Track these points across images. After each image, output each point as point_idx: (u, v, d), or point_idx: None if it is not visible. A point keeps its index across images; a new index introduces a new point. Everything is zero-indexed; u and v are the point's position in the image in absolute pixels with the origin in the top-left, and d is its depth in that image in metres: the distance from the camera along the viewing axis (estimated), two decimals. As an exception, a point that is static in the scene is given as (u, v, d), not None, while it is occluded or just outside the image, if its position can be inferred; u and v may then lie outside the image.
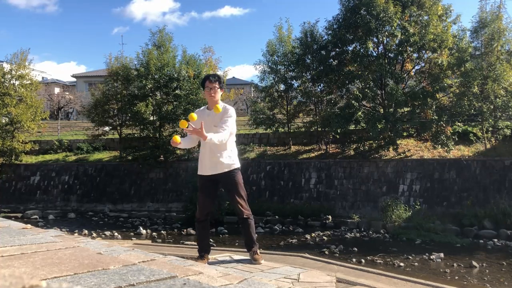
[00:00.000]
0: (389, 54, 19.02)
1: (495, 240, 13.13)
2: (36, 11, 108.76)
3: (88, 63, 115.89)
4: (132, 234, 15.27)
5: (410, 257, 11.33)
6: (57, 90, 41.25)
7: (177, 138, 4.20)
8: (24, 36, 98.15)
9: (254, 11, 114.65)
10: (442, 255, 11.32)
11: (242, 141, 22.66)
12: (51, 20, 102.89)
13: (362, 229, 15.23)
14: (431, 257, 11.26)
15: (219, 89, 4.51)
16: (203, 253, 4.59)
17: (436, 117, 17.53)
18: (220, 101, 4.58)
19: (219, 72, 23.29)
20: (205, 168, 4.50)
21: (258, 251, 4.65)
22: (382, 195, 16.99)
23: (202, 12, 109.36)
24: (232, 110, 4.46)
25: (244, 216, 4.48)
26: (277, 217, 17.13)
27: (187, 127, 4.03)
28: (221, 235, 14.86)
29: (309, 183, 18.77)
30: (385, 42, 18.86)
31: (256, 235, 5.06)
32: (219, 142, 4.20)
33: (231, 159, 4.46)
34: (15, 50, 47.83)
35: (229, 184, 4.48)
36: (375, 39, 18.70)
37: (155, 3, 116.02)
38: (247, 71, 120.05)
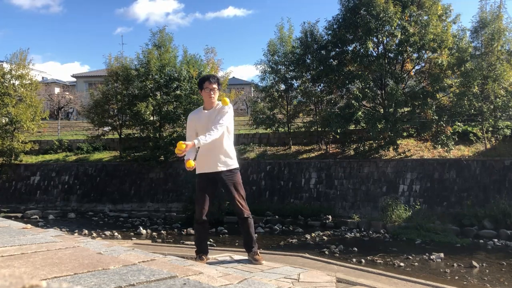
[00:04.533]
0: (389, 54, 19.02)
1: (495, 240, 13.12)
2: (40, 12, 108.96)
3: (92, 63, 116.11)
4: (132, 234, 15.26)
5: (410, 257, 11.32)
6: (57, 90, 41.24)
7: (190, 162, 4.41)
8: (27, 36, 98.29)
9: (258, 12, 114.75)
10: (442, 255, 11.31)
11: (242, 141, 22.65)
12: (54, 20, 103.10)
13: (362, 229, 15.21)
14: (431, 257, 11.25)
15: (217, 90, 4.56)
16: (201, 254, 4.58)
17: (436, 117, 17.52)
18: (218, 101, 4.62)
19: (221, 73, 23.22)
20: (204, 166, 4.52)
21: (258, 251, 4.65)
22: (382, 195, 16.99)
23: (205, 13, 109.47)
24: (229, 107, 4.48)
25: (245, 216, 4.48)
26: (277, 217, 17.12)
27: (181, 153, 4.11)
28: (221, 235, 14.85)
29: (309, 183, 18.77)
30: (385, 42, 18.85)
31: (256, 235, 5.05)
32: (211, 140, 4.19)
33: (230, 159, 4.49)
34: (15, 50, 47.76)
35: (229, 184, 4.48)
36: (375, 39, 18.69)
37: (159, 4, 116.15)
38: (248, 71, 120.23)
